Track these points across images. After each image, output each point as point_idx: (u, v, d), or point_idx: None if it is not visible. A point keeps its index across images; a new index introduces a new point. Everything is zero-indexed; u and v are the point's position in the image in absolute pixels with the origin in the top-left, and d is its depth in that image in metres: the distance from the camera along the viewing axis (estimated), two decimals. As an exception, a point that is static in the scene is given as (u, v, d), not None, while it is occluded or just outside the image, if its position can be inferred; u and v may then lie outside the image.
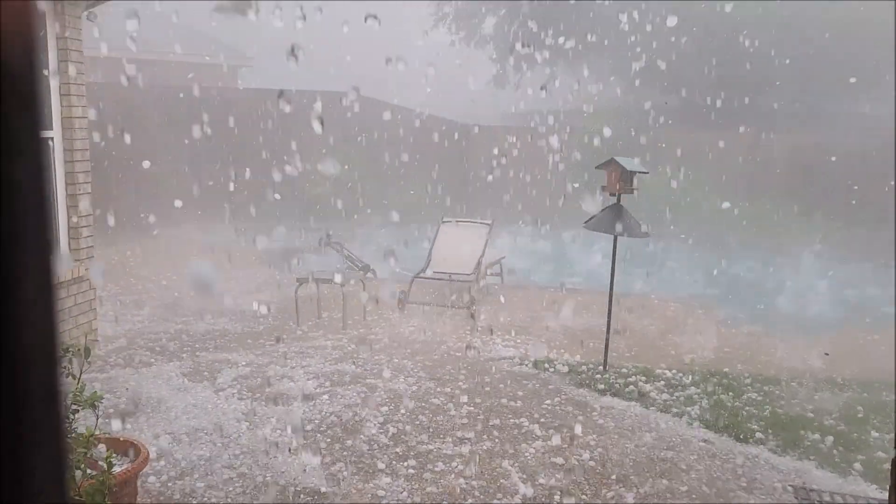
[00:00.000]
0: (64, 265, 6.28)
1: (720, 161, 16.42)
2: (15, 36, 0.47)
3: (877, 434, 5.55)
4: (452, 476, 4.64)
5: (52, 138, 6.40)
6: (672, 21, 18.03)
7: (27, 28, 0.48)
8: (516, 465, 4.83)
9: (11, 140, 0.48)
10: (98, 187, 7.36)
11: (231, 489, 4.41)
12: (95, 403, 3.04)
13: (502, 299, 9.99)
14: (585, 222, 7.12)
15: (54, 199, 6.47)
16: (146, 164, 13.40)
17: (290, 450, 4.93)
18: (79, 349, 3.05)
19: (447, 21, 25.39)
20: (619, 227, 6.76)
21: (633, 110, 18.78)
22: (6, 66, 0.47)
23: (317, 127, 15.65)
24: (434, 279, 9.67)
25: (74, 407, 3.05)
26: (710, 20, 18.56)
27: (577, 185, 13.92)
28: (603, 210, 6.96)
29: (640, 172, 6.95)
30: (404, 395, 6.12)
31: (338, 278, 8.72)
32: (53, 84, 6.43)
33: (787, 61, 18.17)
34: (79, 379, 3.03)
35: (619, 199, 6.88)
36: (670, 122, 17.36)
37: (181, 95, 16.06)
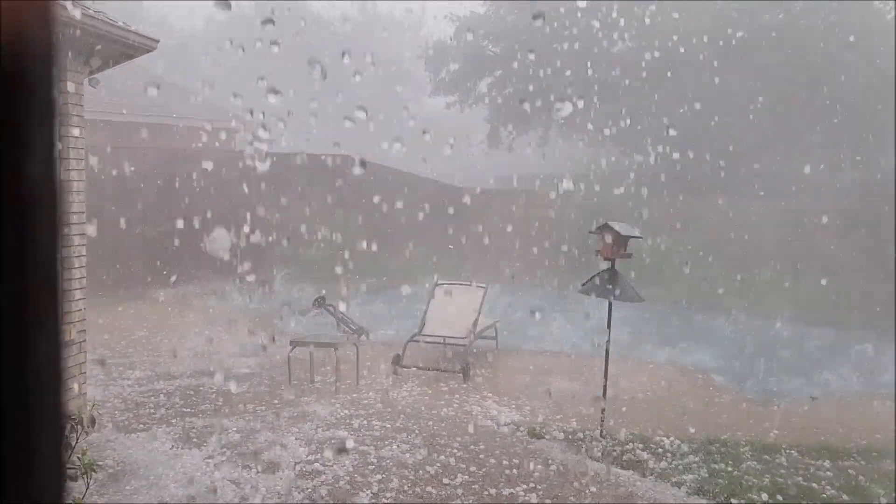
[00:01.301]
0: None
1: (713, 225, 16.56)
2: (32, 38, 0.46)
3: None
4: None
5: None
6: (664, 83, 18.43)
7: (46, 31, 0.47)
8: (512, 537, 4.70)
9: (24, 145, 0.47)
10: (92, 247, 7.35)
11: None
12: (89, 472, 2.96)
13: (496, 363, 9.90)
14: (581, 286, 7.13)
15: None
16: (145, 228, 13.44)
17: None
18: (82, 419, 2.99)
19: (444, 84, 25.89)
20: (614, 292, 6.76)
21: (625, 174, 19.01)
22: (22, 73, 0.46)
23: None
24: (428, 343, 9.60)
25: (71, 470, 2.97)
26: (702, 87, 18.96)
27: (573, 250, 13.97)
28: (598, 274, 6.97)
29: (634, 237, 7.00)
30: (397, 462, 6.00)
31: (332, 341, 8.65)
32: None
33: (755, 114, 18.46)
34: (73, 449, 2.96)
35: (613, 264, 6.90)
36: (661, 185, 17.55)
37: (181, 157, 16.22)
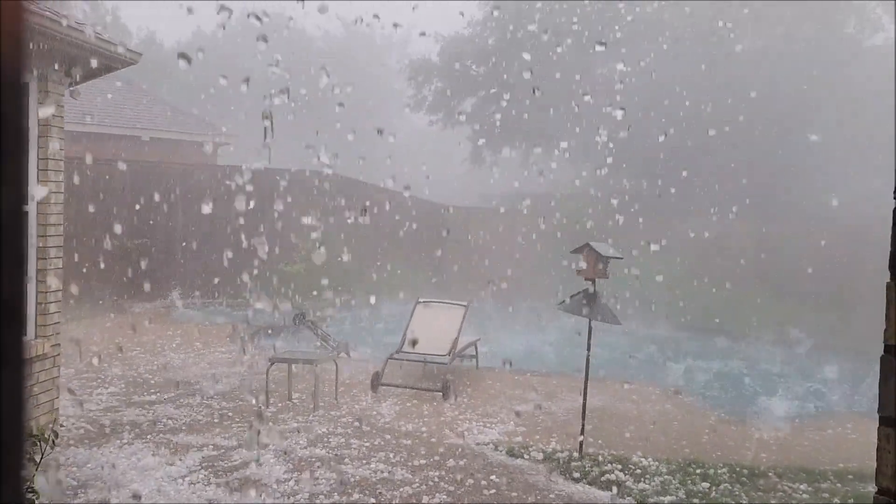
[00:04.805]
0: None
1: (695, 248, 16.68)
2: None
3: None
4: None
5: (26, 212, 6.33)
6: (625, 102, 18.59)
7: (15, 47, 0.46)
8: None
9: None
10: (68, 261, 7.27)
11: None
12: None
13: (476, 381, 9.88)
14: (559, 305, 7.14)
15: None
16: (122, 241, 13.33)
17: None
18: (45, 434, 2.93)
19: (426, 103, 26.01)
20: (592, 313, 6.78)
21: (605, 194, 19.14)
22: None
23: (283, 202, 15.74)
24: (408, 360, 9.55)
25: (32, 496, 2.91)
26: (690, 112, 19.16)
27: (554, 269, 14.01)
28: (578, 294, 6.98)
29: (613, 258, 7.03)
30: (376, 482, 5.95)
31: (311, 358, 8.58)
32: (32, 158, 6.41)
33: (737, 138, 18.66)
34: (37, 467, 2.90)
35: (594, 284, 6.92)
36: (639, 207, 17.68)
37: (162, 171, 16.12)
